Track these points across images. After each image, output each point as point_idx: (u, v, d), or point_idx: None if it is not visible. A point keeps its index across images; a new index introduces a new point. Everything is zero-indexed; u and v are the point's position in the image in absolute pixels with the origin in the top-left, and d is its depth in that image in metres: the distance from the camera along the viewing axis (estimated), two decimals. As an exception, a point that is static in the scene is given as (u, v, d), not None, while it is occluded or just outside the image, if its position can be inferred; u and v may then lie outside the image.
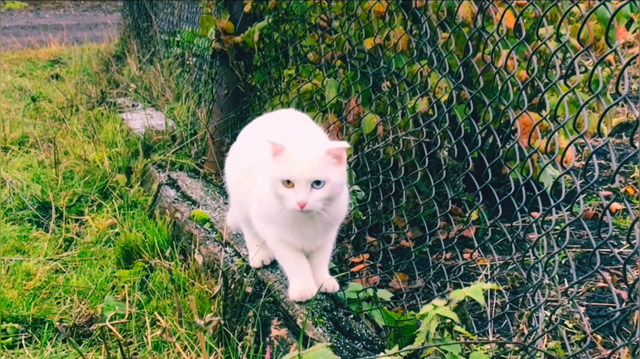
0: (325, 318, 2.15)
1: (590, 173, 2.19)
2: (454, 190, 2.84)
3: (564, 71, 2.14)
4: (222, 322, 2.27)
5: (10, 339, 2.43)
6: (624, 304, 1.79)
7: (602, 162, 3.67)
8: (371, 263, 2.81)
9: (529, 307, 2.08)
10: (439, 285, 2.56)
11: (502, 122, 2.84)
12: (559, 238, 1.98)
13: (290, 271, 2.23)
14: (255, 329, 2.20)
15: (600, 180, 3.44)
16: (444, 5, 2.45)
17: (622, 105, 4.04)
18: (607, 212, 1.69)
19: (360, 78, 2.93)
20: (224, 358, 2.18)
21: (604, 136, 2.76)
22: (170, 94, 4.94)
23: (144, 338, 2.37)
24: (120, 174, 3.92)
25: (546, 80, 2.43)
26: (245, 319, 2.28)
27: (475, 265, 2.69)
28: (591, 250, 1.81)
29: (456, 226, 2.66)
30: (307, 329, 2.06)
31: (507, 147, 2.83)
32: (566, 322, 2.31)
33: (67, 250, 3.18)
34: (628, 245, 2.74)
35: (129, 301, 2.52)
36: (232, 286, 2.41)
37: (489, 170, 2.20)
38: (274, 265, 2.48)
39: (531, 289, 2.03)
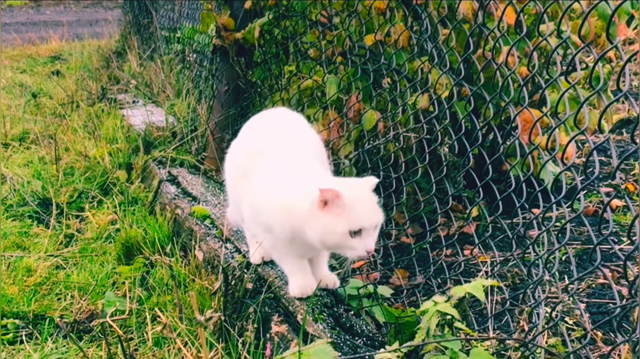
0: (325, 315, 2.15)
1: (590, 169, 2.19)
2: (455, 187, 2.83)
3: (564, 67, 2.14)
4: (223, 318, 2.27)
5: (10, 335, 2.43)
6: (625, 300, 1.79)
7: (603, 158, 3.67)
8: (371, 259, 2.81)
9: (529, 303, 2.08)
10: (440, 281, 2.56)
11: (502, 118, 2.84)
12: (560, 235, 1.98)
13: (290, 270, 2.23)
14: (255, 326, 2.20)
15: (600, 176, 3.44)
16: (445, 1, 2.44)
17: (623, 102, 4.04)
18: (608, 209, 1.68)
19: (361, 74, 2.93)
20: (225, 354, 2.18)
21: (604, 132, 2.75)
22: (171, 90, 4.94)
23: (145, 334, 2.38)
24: (121, 170, 3.93)
25: (547, 77, 2.43)
26: (245, 316, 2.28)
27: (475, 261, 2.68)
28: (592, 246, 1.81)
29: (457, 223, 2.66)
30: (307, 326, 2.07)
31: (508, 143, 2.83)
32: (566, 318, 2.31)
33: (68, 246, 3.19)
34: (629, 241, 2.75)
35: (130, 297, 2.52)
36: (233, 283, 2.41)
37: (490, 166, 2.20)
38: (274, 261, 2.48)
39: (531, 285, 2.03)
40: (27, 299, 2.65)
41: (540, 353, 1.91)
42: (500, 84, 2.17)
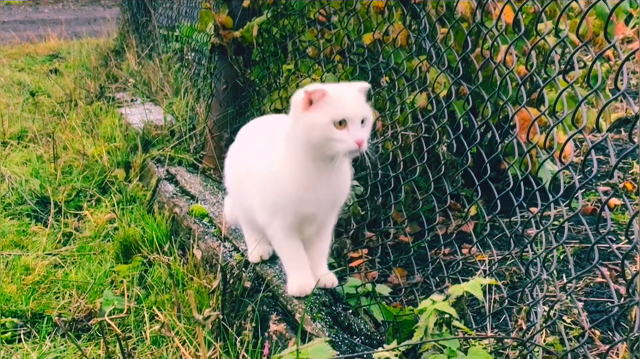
0: (323, 313, 2.15)
1: (588, 168, 2.19)
2: (453, 185, 2.83)
3: (562, 66, 2.14)
4: (221, 317, 2.27)
5: (9, 333, 2.43)
6: (622, 299, 1.79)
7: (601, 157, 3.67)
8: (370, 258, 2.82)
9: (527, 302, 2.08)
10: (438, 280, 2.56)
11: (501, 117, 2.84)
12: (558, 234, 1.98)
13: (290, 266, 2.23)
14: (253, 324, 2.20)
15: (598, 175, 3.44)
16: (443, 0, 2.44)
17: (621, 101, 4.03)
18: (606, 207, 1.69)
19: (359, 73, 2.93)
20: (223, 353, 2.18)
21: (602, 131, 2.76)
22: (169, 89, 4.93)
23: (143, 333, 2.37)
24: (119, 169, 3.92)
25: (545, 76, 2.43)
26: (243, 314, 2.28)
27: (473, 260, 2.69)
28: (590, 245, 1.82)
29: (455, 222, 2.66)
30: (305, 324, 2.07)
31: (506, 142, 2.83)
32: (564, 317, 2.31)
33: (66, 244, 3.18)
34: (626, 240, 2.75)
35: (128, 295, 2.52)
36: (231, 281, 2.41)
37: (488, 165, 2.20)
38: (272, 260, 2.48)
39: (529, 284, 2.03)
40: (25, 298, 2.65)
41: (538, 351, 1.91)
42: (498, 83, 2.17)
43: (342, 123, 1.93)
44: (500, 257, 2.39)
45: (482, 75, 2.27)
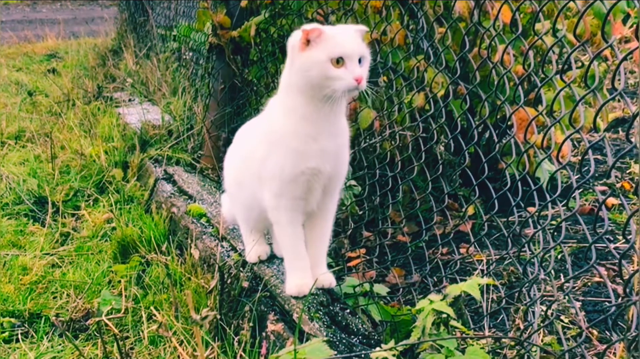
0: (321, 313, 2.15)
1: (586, 168, 2.19)
2: (451, 185, 2.83)
3: (560, 66, 2.14)
4: (219, 317, 2.27)
5: (6, 333, 2.43)
6: (620, 299, 1.79)
7: (598, 157, 3.67)
8: (368, 257, 2.82)
9: (525, 302, 2.08)
10: (435, 279, 2.56)
11: (498, 117, 2.83)
12: (555, 233, 1.98)
13: (291, 264, 2.21)
14: (251, 324, 2.20)
15: (596, 175, 3.44)
16: (441, 0, 2.44)
17: (619, 100, 4.05)
18: (603, 207, 1.69)
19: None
20: (220, 353, 2.18)
21: (600, 131, 2.76)
22: (167, 89, 4.93)
23: (141, 333, 2.38)
24: (117, 169, 3.92)
25: (542, 75, 2.43)
26: (241, 314, 2.28)
27: (471, 259, 2.69)
28: (587, 245, 1.82)
29: (452, 221, 2.66)
30: (303, 324, 2.07)
31: (504, 142, 2.83)
32: (562, 317, 2.31)
33: (64, 244, 3.18)
34: (624, 240, 2.75)
35: (126, 295, 2.52)
36: (229, 281, 2.41)
37: (485, 165, 2.20)
38: (270, 260, 2.48)
39: (527, 284, 2.03)
40: (23, 298, 2.65)
41: (535, 351, 1.91)
42: (496, 83, 2.17)
43: (339, 62, 1.93)
44: (497, 257, 2.39)
45: (479, 75, 2.27)
